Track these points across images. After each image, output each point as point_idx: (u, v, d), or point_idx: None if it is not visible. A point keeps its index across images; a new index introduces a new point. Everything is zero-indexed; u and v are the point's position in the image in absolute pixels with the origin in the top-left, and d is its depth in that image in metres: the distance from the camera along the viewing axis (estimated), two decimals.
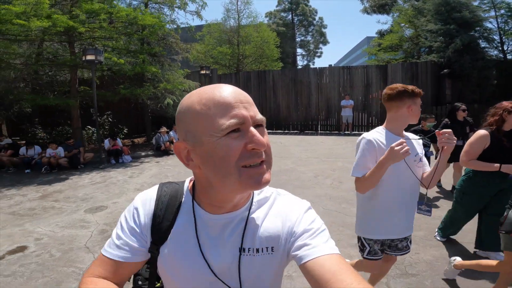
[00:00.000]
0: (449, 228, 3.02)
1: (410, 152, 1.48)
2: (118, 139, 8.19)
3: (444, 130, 1.47)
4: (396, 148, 1.44)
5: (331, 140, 10.12)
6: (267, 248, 0.66)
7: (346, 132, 11.33)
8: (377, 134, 1.69)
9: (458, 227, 2.95)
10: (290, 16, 27.96)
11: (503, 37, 13.23)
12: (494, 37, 13.12)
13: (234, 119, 0.55)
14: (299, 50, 29.43)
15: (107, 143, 7.86)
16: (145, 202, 0.69)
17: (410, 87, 1.67)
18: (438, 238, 3.13)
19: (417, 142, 1.73)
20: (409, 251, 1.85)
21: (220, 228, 0.66)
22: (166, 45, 10.49)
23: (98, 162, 7.54)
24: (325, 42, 29.38)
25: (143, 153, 8.98)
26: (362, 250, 1.82)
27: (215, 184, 0.60)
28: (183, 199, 0.69)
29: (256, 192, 0.70)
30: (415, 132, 4.07)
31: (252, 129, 0.57)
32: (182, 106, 0.61)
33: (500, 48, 13.23)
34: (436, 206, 4.14)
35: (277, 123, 12.71)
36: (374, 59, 18.00)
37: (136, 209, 0.68)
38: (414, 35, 14.86)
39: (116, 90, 8.94)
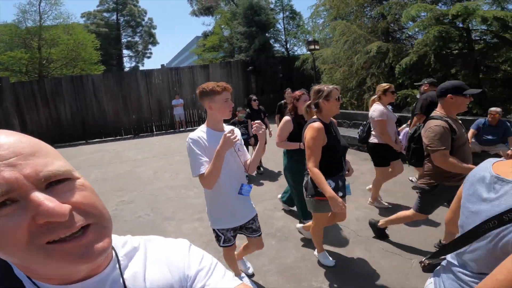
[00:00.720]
0: (306, 208, 3.21)
1: (239, 139, 1.71)
2: None
3: (255, 121, 1.81)
4: (227, 135, 1.64)
5: (167, 139, 10.84)
6: None
7: (181, 129, 12.44)
8: (201, 132, 1.83)
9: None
10: (115, 17, 25.79)
11: (287, 37, 17.30)
12: (282, 37, 17.04)
13: None
14: (125, 52, 27.78)
15: None
16: None
17: (209, 86, 1.81)
18: (306, 223, 3.34)
19: (237, 134, 1.91)
20: (261, 232, 2.13)
21: None
22: None
23: None
24: (154, 43, 29.32)
25: None
26: (218, 240, 1.99)
27: (23, 270, 0.45)
28: (15, 273, 0.47)
29: (118, 244, 0.57)
30: (233, 124, 5.10)
31: (35, 195, 0.40)
32: None
33: (285, 46, 17.31)
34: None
35: (105, 130, 12.11)
36: (200, 59, 19.51)
37: None
38: (230, 36, 17.28)
39: None
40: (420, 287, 2.17)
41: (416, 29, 7.37)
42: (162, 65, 13.19)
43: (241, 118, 5.33)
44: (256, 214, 2.08)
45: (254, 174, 5.40)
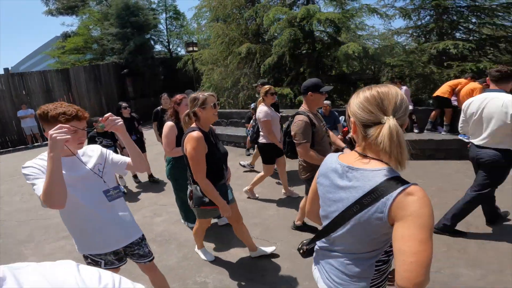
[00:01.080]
0: (189, 212, 3.28)
1: (70, 137, 1.32)
2: None
3: (106, 115, 1.54)
4: (50, 132, 1.28)
5: (15, 157, 9.07)
6: None
7: (36, 144, 10.46)
8: (40, 161, 1.48)
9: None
10: None
11: (170, 37, 16.79)
12: (164, 37, 16.33)
13: None
14: None
15: None
16: None
17: (51, 111, 1.44)
18: (189, 224, 3.45)
19: (95, 153, 1.71)
20: (153, 256, 1.89)
21: None
22: None
23: None
24: None
25: None
26: (97, 265, 1.66)
27: None
28: None
29: None
30: (92, 138, 4.44)
31: None
32: None
33: (168, 47, 16.79)
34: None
35: None
36: (58, 62, 16.53)
37: None
38: (100, 37, 15.70)
39: None
40: (285, 266, 2.62)
41: (278, 31, 8.27)
42: (6, 69, 10.78)
43: (101, 128, 4.54)
44: (142, 235, 1.79)
45: (131, 185, 5.11)
